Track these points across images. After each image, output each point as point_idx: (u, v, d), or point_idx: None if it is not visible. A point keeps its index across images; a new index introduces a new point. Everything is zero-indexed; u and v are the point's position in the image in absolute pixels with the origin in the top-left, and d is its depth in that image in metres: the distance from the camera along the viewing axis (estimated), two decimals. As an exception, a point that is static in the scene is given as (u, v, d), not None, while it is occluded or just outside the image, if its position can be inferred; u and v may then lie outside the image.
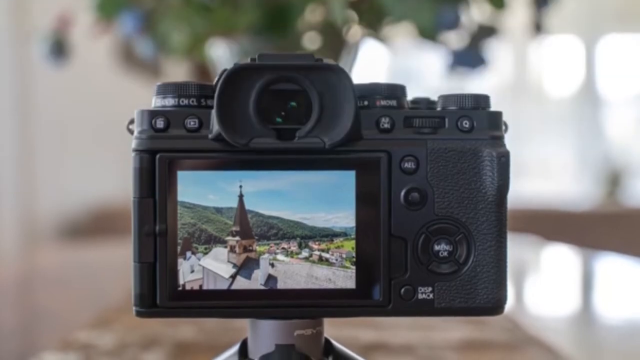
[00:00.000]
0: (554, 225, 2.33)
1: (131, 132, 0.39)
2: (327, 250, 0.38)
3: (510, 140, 0.40)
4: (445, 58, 0.86)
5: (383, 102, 0.39)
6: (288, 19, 0.82)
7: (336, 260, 0.38)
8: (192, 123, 0.38)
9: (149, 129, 0.38)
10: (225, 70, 0.37)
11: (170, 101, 0.39)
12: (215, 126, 0.37)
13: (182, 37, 0.85)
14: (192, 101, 0.39)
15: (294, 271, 0.38)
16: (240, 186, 0.38)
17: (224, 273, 0.38)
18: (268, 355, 0.40)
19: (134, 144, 0.38)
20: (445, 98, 0.40)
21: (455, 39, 0.86)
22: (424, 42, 0.85)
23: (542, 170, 3.75)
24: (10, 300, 1.09)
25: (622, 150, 3.77)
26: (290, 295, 0.38)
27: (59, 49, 0.89)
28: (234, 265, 0.38)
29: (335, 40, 0.86)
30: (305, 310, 0.39)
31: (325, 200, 0.38)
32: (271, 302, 0.39)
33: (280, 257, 0.39)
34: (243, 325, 0.42)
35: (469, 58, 0.86)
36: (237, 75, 0.37)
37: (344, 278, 0.38)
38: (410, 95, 0.42)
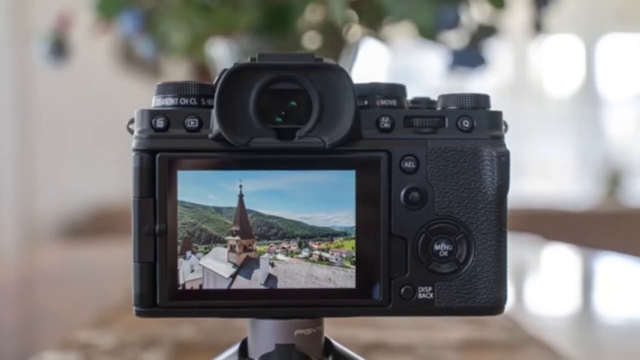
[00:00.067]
0: (554, 225, 2.33)
1: (131, 131, 0.39)
2: (327, 250, 0.38)
3: (510, 140, 0.40)
4: (445, 58, 0.86)
5: (383, 102, 0.39)
6: (288, 18, 0.82)
7: (336, 259, 0.38)
8: (192, 123, 0.38)
9: (149, 128, 0.38)
10: (225, 69, 0.37)
11: (170, 101, 0.39)
12: (215, 126, 0.37)
13: (182, 36, 0.85)
14: (192, 101, 0.39)
15: (294, 271, 0.38)
16: (240, 186, 0.38)
17: (224, 273, 0.38)
18: (268, 355, 0.39)
19: (134, 143, 0.38)
20: (445, 98, 0.40)
21: (455, 39, 0.86)
22: (423, 42, 0.85)
23: (542, 170, 3.76)
24: (10, 300, 1.09)
25: (622, 150, 3.78)
26: (290, 295, 0.38)
27: (59, 49, 0.88)
28: (234, 265, 0.38)
29: (335, 40, 0.86)
30: (305, 309, 0.39)
31: (325, 200, 0.38)
32: (271, 302, 0.39)
33: (280, 256, 0.38)
34: (243, 325, 0.42)
35: (469, 58, 0.86)
36: (237, 75, 0.37)
37: (344, 278, 0.38)
38: (410, 95, 0.42)
